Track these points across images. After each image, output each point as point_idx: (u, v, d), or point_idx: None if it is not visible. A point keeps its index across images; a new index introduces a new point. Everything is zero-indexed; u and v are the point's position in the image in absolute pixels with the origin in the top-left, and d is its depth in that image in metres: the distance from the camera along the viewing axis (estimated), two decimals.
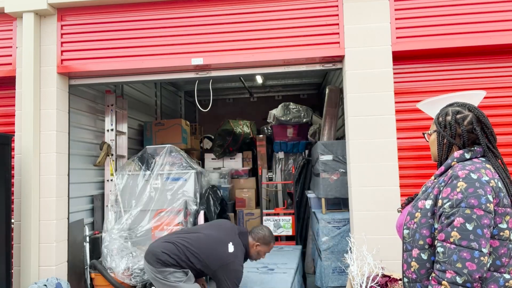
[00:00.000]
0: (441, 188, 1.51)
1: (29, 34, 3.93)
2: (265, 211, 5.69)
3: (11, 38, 4.11)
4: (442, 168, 1.60)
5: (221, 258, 3.06)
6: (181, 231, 3.51)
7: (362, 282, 2.46)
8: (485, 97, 2.16)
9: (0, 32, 4.15)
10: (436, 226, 1.49)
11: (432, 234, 1.50)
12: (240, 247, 3.19)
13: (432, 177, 1.64)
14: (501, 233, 1.43)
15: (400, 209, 1.84)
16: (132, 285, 4.25)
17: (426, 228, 1.51)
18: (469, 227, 1.38)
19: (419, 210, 1.56)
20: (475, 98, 2.12)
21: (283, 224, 5.53)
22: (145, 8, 3.97)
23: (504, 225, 1.43)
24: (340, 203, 4.63)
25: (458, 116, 1.61)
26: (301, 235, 6.07)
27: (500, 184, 1.47)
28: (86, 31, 4.05)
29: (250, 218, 6.45)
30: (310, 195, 5.16)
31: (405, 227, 1.61)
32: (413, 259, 1.54)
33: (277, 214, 5.62)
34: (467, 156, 1.56)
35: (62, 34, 4.07)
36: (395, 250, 3.44)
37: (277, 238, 5.77)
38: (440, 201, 1.49)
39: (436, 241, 1.47)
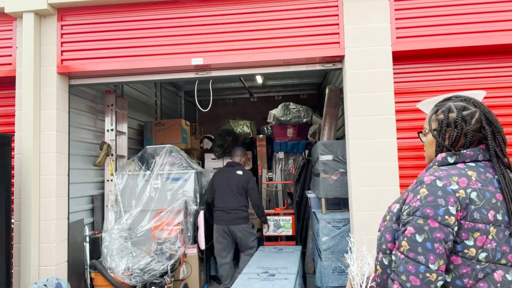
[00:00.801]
0: (408, 193, 1.40)
1: (29, 34, 3.93)
2: (265, 211, 5.69)
3: (11, 38, 4.11)
4: (423, 171, 1.47)
5: (246, 179, 4.92)
6: (218, 201, 4.88)
7: (362, 282, 2.46)
8: (485, 97, 2.15)
9: (0, 32, 4.15)
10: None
11: (394, 239, 1.39)
12: (241, 167, 5.08)
13: (415, 180, 1.49)
14: (465, 251, 1.26)
15: None
16: (132, 285, 4.25)
17: (389, 233, 1.41)
18: (419, 238, 1.25)
19: (389, 213, 1.47)
20: (475, 98, 2.11)
21: (283, 224, 5.53)
22: (145, 8, 3.97)
23: (470, 242, 1.26)
24: (340, 203, 4.63)
25: (464, 112, 1.41)
26: (301, 235, 6.07)
27: (474, 196, 1.28)
28: (86, 31, 4.05)
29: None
30: (310, 195, 5.16)
31: (378, 229, 1.53)
32: (378, 263, 1.46)
33: (277, 214, 5.62)
34: (451, 160, 1.40)
35: (62, 34, 4.07)
36: None
37: (277, 238, 5.78)
38: (404, 206, 1.38)
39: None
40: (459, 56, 3.69)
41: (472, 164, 1.38)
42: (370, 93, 3.60)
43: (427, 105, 2.34)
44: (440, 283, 1.24)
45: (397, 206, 1.44)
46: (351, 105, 3.63)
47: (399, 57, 3.66)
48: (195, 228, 4.81)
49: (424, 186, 1.32)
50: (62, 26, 4.07)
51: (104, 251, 4.40)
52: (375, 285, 1.51)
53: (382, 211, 3.53)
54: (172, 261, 4.34)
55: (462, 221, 1.26)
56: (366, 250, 2.71)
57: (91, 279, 4.43)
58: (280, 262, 4.21)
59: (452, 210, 1.25)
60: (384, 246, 1.42)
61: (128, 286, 4.29)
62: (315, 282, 4.55)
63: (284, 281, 3.52)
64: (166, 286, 4.24)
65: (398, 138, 3.59)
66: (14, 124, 3.99)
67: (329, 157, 4.47)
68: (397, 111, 3.62)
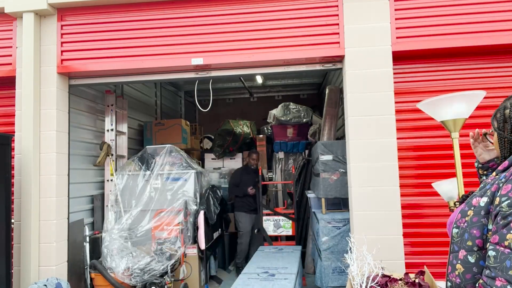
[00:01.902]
0: (501, 185, 1.33)
1: (29, 34, 3.93)
2: (265, 211, 5.72)
3: (11, 38, 4.11)
4: (506, 163, 1.41)
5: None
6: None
7: (362, 282, 2.46)
8: (485, 97, 2.16)
9: (0, 32, 4.15)
10: (490, 227, 1.32)
11: (484, 235, 1.33)
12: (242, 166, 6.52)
13: (494, 173, 1.46)
14: None
15: (452, 208, 1.71)
16: (132, 285, 4.24)
17: (477, 228, 1.34)
18: None
19: (472, 208, 1.40)
20: (475, 98, 2.11)
21: (283, 224, 5.53)
22: (145, 8, 3.97)
23: None
24: (340, 203, 4.63)
25: None
26: (301, 235, 6.07)
27: None
28: (86, 31, 4.05)
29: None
30: (310, 195, 5.16)
31: (454, 225, 1.46)
32: (459, 261, 1.38)
33: (277, 214, 5.63)
34: None
35: (62, 34, 4.07)
36: (395, 250, 3.45)
37: (277, 238, 5.78)
38: (497, 198, 1.30)
39: (488, 244, 1.30)
40: (459, 56, 3.69)
41: None
42: (370, 93, 3.60)
43: (427, 105, 2.34)
44: None
45: (484, 199, 1.37)
46: (351, 105, 3.63)
47: (399, 57, 3.67)
48: (195, 228, 4.81)
49: None
50: (62, 26, 4.07)
51: (104, 251, 4.40)
52: (449, 286, 1.44)
53: (382, 211, 3.55)
54: (172, 261, 4.34)
55: None
56: (366, 250, 2.71)
57: (91, 279, 4.43)
58: (280, 262, 4.22)
59: None
60: (470, 243, 1.36)
61: (128, 286, 4.29)
62: (315, 282, 4.56)
63: (284, 281, 3.52)
64: (166, 286, 4.24)
65: (398, 138, 3.59)
66: (14, 124, 3.99)
67: (329, 157, 4.48)
68: (397, 111, 3.62)
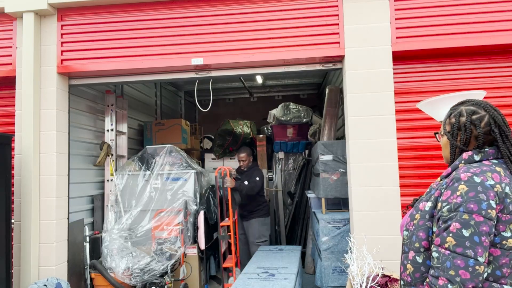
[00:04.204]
0: (443, 191, 1.44)
1: (29, 34, 3.93)
2: (223, 222, 4.75)
3: (11, 38, 4.11)
4: (449, 169, 1.52)
5: None
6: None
7: (362, 282, 2.46)
8: (485, 97, 2.16)
9: (0, 32, 4.15)
10: (434, 229, 1.44)
11: (429, 237, 1.45)
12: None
13: (438, 179, 1.58)
14: (504, 242, 1.35)
15: (405, 210, 1.81)
16: (132, 285, 4.25)
17: (423, 231, 1.46)
18: (466, 233, 1.31)
19: (419, 212, 1.51)
20: (475, 98, 2.11)
21: None
22: (145, 8, 3.97)
23: (508, 234, 1.35)
24: (340, 203, 4.63)
25: (474, 117, 1.51)
26: (301, 235, 6.07)
27: (508, 190, 1.38)
28: (86, 31, 4.05)
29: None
30: (310, 195, 5.16)
31: (405, 228, 1.57)
32: (409, 262, 1.50)
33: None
34: (477, 158, 1.48)
35: (62, 34, 4.07)
36: (395, 250, 3.44)
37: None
38: (439, 203, 1.42)
39: (432, 245, 1.42)
40: (459, 56, 3.69)
41: (495, 161, 1.48)
42: (370, 93, 3.60)
43: (427, 105, 2.34)
44: (485, 275, 1.32)
45: (429, 204, 1.48)
46: (351, 105, 3.63)
47: (399, 57, 3.67)
48: (195, 228, 4.81)
49: (463, 182, 1.38)
50: (62, 26, 4.07)
51: (104, 251, 4.40)
52: (402, 285, 1.54)
53: (382, 211, 3.56)
54: (172, 261, 4.34)
55: (499, 214, 1.35)
56: (366, 250, 2.71)
57: (91, 279, 4.43)
58: (280, 262, 4.21)
59: (493, 204, 1.33)
60: (417, 245, 1.47)
61: (128, 286, 4.29)
62: (315, 282, 4.56)
63: (284, 281, 3.52)
64: (166, 286, 4.24)
65: (398, 138, 3.59)
66: (14, 124, 3.99)
67: (329, 157, 4.48)
68: (397, 111, 3.62)
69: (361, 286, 2.45)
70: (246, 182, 5.01)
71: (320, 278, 4.34)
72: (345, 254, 2.90)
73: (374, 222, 3.49)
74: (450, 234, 1.33)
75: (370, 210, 3.51)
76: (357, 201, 3.55)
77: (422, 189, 3.55)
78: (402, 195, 3.51)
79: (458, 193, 1.37)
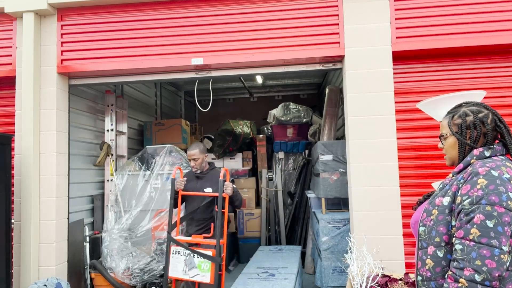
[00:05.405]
0: (460, 185, 1.49)
1: (29, 34, 3.93)
2: (180, 237, 3.52)
3: (11, 38, 4.11)
4: (461, 165, 1.58)
5: None
6: None
7: (362, 282, 2.46)
8: (485, 97, 2.16)
9: (0, 32, 4.15)
10: (453, 223, 1.48)
11: (449, 231, 1.49)
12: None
13: (450, 175, 1.62)
14: None
15: (414, 207, 1.82)
16: (132, 285, 4.25)
17: (443, 225, 1.50)
18: (490, 224, 1.36)
19: (436, 207, 1.55)
20: (475, 98, 2.11)
21: (198, 263, 3.30)
22: (145, 8, 3.97)
23: None
24: (340, 203, 4.63)
25: (480, 115, 1.58)
26: (301, 235, 6.07)
27: None
28: (86, 31, 4.05)
29: (250, 218, 6.46)
30: (310, 195, 5.16)
31: (421, 224, 1.60)
32: (428, 257, 1.53)
33: (195, 245, 3.47)
34: (487, 154, 1.54)
35: (62, 34, 4.07)
36: (395, 250, 3.45)
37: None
38: (459, 198, 1.47)
39: (453, 239, 1.46)
40: (459, 56, 3.69)
41: (502, 157, 1.54)
42: (370, 93, 3.60)
43: (427, 105, 2.35)
44: (508, 263, 1.38)
45: (447, 199, 1.53)
46: (351, 105, 3.63)
47: (399, 57, 3.66)
48: None
49: (481, 176, 1.44)
50: (62, 26, 4.07)
51: (104, 251, 4.40)
52: (420, 280, 1.56)
53: (382, 211, 3.55)
54: None
55: None
56: (366, 250, 2.71)
57: (91, 279, 4.43)
58: (280, 262, 4.22)
59: (511, 195, 1.39)
60: (438, 239, 1.51)
61: (128, 286, 4.29)
62: (315, 282, 4.56)
63: (284, 281, 3.53)
64: None
65: (398, 138, 3.59)
66: (14, 124, 3.99)
67: (329, 157, 4.48)
68: (397, 111, 3.62)
69: (361, 286, 2.45)
70: (209, 189, 3.64)
71: (320, 278, 4.34)
72: (345, 254, 2.90)
73: (374, 222, 3.49)
74: (474, 226, 1.38)
75: (370, 210, 3.51)
76: (357, 201, 3.55)
77: (422, 189, 3.57)
78: (402, 195, 3.51)
79: (478, 186, 1.42)
